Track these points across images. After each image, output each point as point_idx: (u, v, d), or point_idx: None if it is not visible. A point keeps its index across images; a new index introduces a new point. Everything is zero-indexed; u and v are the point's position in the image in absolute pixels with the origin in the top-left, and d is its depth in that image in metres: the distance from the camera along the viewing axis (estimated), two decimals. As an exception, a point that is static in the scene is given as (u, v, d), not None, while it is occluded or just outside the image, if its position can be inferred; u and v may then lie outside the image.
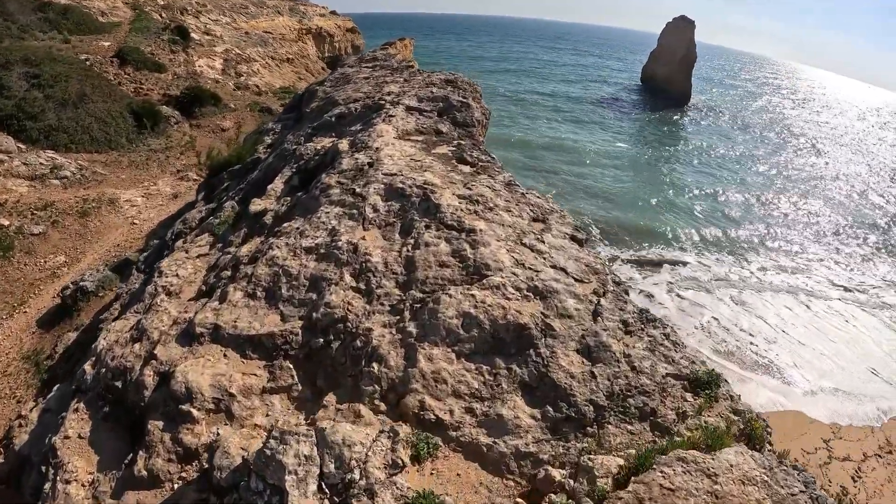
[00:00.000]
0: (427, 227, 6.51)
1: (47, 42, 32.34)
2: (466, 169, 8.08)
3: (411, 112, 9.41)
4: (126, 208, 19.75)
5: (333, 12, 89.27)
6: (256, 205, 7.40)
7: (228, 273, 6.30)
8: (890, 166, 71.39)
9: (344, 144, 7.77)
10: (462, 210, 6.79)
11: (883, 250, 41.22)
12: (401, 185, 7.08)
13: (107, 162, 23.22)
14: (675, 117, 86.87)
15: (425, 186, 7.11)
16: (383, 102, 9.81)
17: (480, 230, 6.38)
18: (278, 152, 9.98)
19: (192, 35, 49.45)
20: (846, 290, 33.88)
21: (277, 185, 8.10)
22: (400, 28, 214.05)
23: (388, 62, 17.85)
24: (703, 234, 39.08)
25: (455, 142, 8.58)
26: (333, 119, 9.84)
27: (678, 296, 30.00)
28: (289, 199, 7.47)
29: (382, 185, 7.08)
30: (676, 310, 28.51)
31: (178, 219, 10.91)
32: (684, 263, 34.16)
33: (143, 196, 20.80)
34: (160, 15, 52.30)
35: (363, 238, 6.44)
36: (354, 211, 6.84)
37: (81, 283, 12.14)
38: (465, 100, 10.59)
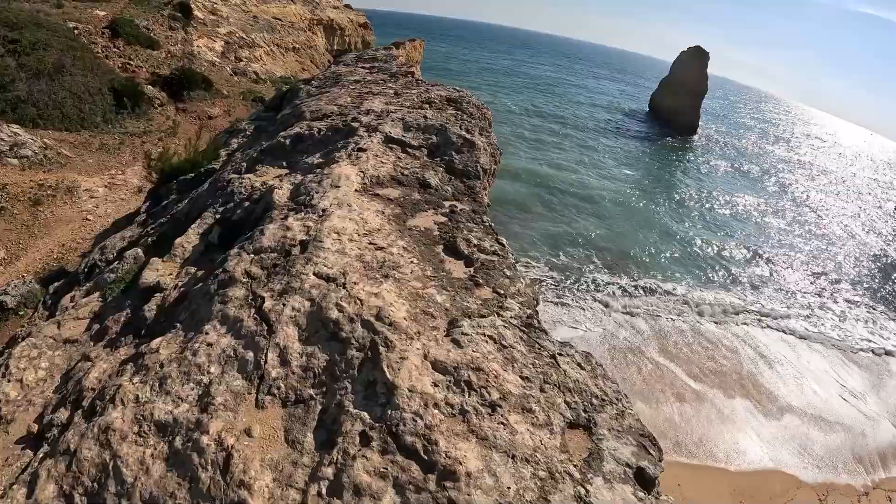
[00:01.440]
0: (365, 441, 3.21)
1: (38, 5, 30.68)
2: (458, 271, 4.91)
3: (391, 146, 7.11)
4: (84, 199, 18.16)
5: (347, 6, 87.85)
6: (151, 272, 5.33)
7: (65, 416, 4.04)
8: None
9: (282, 192, 5.58)
10: (438, 410, 3.31)
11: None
12: (335, 315, 4.06)
13: (75, 143, 21.60)
14: (680, 150, 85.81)
15: (378, 325, 3.94)
16: (356, 125, 7.56)
17: (468, 475, 2.97)
18: (213, 180, 8.11)
19: (196, 13, 47.83)
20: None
21: (191, 237, 5.93)
22: (414, 29, 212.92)
23: (388, 65, 16.24)
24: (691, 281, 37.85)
25: (447, 205, 5.88)
26: (288, 143, 7.61)
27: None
28: (194, 268, 5.33)
29: (307, 303, 4.23)
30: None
31: (116, 233, 9.41)
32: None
33: (105, 186, 19.22)
34: (167, -13, 50.64)
35: (247, 433, 3.39)
36: (249, 356, 3.87)
37: (1, 298, 10.60)
38: (469, 134, 7.75)
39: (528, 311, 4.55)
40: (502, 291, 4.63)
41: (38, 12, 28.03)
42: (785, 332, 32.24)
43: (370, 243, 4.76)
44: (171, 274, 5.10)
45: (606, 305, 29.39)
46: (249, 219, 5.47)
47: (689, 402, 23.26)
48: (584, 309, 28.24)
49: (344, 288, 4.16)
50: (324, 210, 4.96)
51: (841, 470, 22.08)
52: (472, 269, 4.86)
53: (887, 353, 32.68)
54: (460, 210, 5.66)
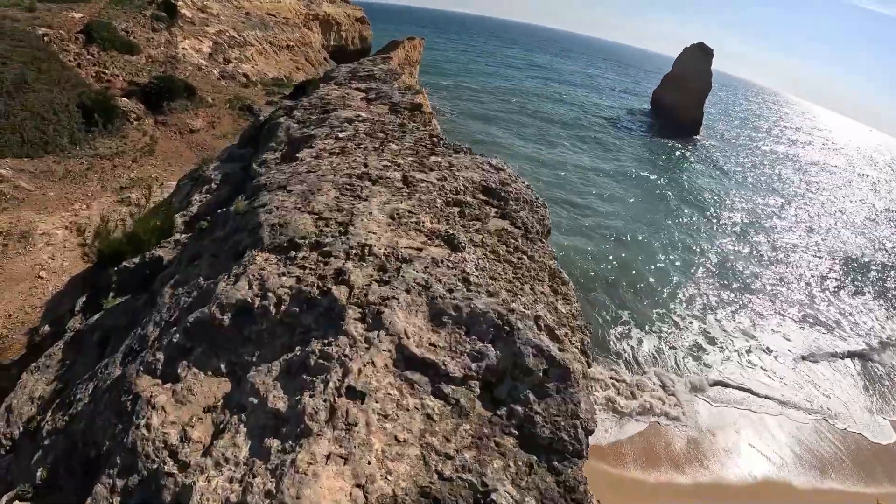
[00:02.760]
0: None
1: (6, 10, 28.13)
2: None
3: (410, 380, 3.81)
4: (39, 247, 15.82)
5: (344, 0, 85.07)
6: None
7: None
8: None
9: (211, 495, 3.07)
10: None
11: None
12: None
13: (37, 171, 19.23)
14: (682, 148, 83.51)
15: None
16: (342, 298, 4.42)
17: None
18: (143, 318, 5.76)
19: (184, 12, 45.19)
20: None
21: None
22: (412, 23, 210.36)
23: (387, 87, 13.78)
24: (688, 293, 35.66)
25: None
26: (229, 320, 4.46)
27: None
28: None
29: None
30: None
31: (28, 385, 7.02)
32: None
33: (66, 227, 16.88)
34: (154, -18, 47.93)
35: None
36: None
37: None
38: (552, 344, 4.28)
39: None
40: None
41: (3, 18, 25.53)
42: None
43: None
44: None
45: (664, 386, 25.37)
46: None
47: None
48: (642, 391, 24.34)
49: None
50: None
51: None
52: None
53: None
54: None
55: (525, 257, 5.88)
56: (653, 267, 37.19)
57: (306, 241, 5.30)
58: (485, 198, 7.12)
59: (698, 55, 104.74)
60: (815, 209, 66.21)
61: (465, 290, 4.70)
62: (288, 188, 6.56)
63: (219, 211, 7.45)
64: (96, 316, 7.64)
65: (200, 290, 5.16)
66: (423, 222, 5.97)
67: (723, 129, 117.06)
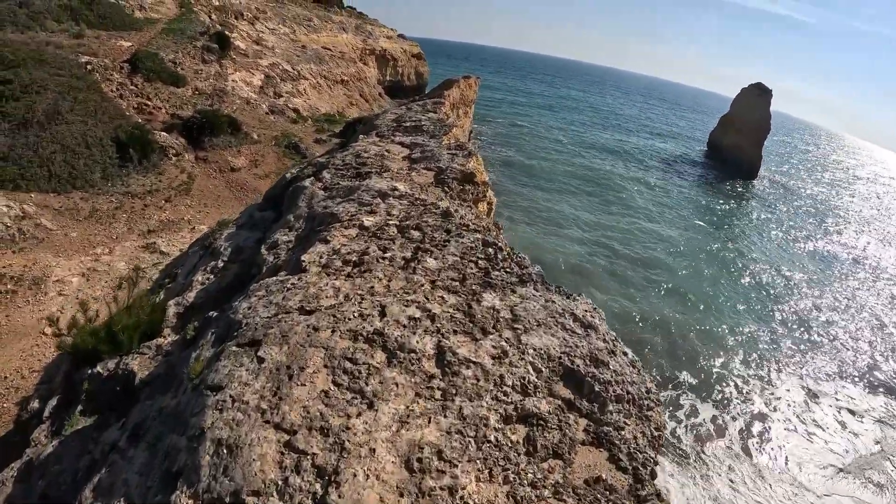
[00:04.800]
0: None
1: (54, 36, 27.39)
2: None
3: None
4: (51, 296, 14.04)
5: (401, 35, 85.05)
6: None
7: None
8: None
9: None
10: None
11: None
12: None
13: (62, 208, 17.68)
14: (742, 193, 79.59)
15: None
16: None
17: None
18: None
19: (238, 44, 44.71)
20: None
21: None
22: (464, 59, 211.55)
23: (435, 150, 11.25)
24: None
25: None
26: None
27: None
28: None
29: None
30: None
31: None
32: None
33: (82, 274, 15.11)
34: (210, 16, 47.70)
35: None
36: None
37: None
38: None
39: None
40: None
41: (47, 45, 24.60)
42: None
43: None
44: None
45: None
46: None
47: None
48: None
49: None
50: None
51: None
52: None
53: None
54: None
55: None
56: (712, 325, 33.91)
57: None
58: (567, 394, 4.44)
59: (756, 95, 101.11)
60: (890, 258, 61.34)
61: None
62: (263, 350, 4.17)
63: (209, 314, 5.27)
64: (50, 447, 5.52)
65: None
66: (463, 483, 3.32)
67: (783, 171, 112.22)
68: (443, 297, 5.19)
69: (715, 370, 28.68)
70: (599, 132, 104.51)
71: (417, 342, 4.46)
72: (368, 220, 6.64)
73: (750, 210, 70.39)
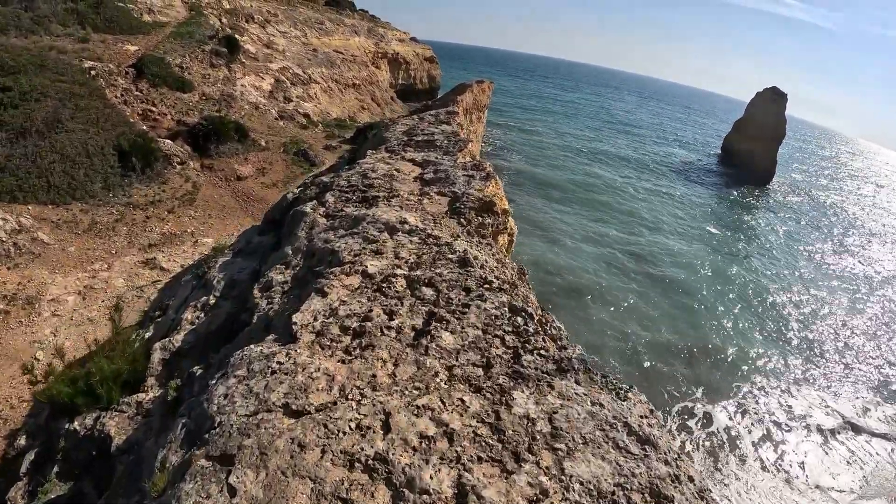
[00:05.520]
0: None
1: (59, 40, 26.76)
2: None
3: None
4: (45, 317, 13.28)
5: (414, 39, 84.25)
6: None
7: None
8: None
9: None
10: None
11: None
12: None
13: (60, 221, 16.95)
14: (757, 201, 78.22)
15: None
16: None
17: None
18: None
19: (248, 48, 44.06)
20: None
21: None
22: (477, 62, 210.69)
23: (449, 170, 10.34)
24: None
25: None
26: None
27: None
28: None
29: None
30: None
31: None
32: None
33: (79, 293, 14.34)
34: (220, 20, 47.04)
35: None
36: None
37: None
38: None
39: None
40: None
41: (50, 50, 23.94)
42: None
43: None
44: None
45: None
46: None
47: None
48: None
49: None
50: None
51: None
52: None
53: None
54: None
55: None
56: (724, 335, 32.81)
57: None
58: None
59: (771, 100, 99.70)
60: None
61: None
62: (235, 474, 3.29)
63: (193, 371, 4.43)
64: None
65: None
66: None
67: (798, 177, 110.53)
68: (463, 401, 4.12)
69: (731, 381, 27.77)
70: (612, 138, 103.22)
71: (432, 478, 3.45)
72: (373, 265, 5.72)
73: (765, 220, 68.98)
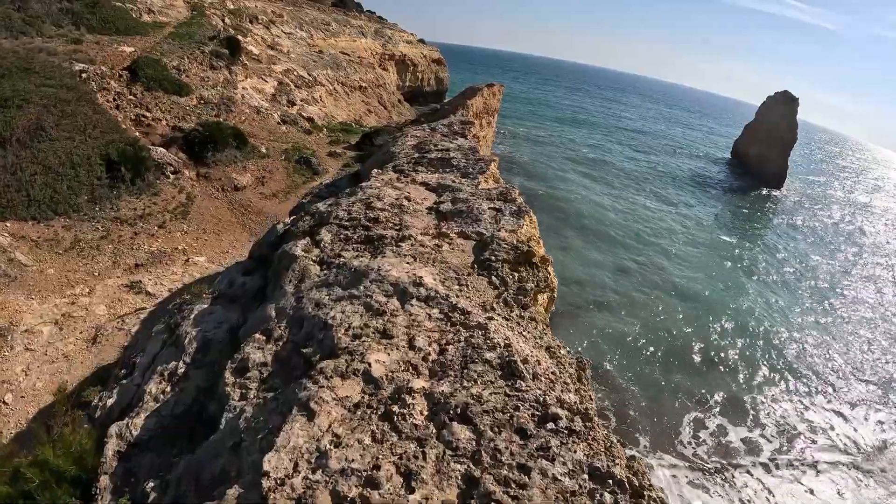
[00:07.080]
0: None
1: (50, 42, 25.47)
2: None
3: None
4: (16, 352, 11.93)
5: (421, 40, 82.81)
6: None
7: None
8: None
9: None
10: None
11: None
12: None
13: (40, 239, 15.65)
14: (768, 204, 76.77)
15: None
16: None
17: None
18: None
19: (251, 49, 42.70)
20: None
21: None
22: (485, 64, 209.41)
23: (471, 201, 8.71)
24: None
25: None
26: None
27: None
28: None
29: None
30: None
31: None
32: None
33: (56, 322, 13.00)
34: (223, 20, 45.73)
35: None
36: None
37: None
38: None
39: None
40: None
41: (39, 52, 22.68)
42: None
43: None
44: None
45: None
46: None
47: None
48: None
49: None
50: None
51: None
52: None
53: None
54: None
55: None
56: (730, 341, 31.43)
57: None
58: None
59: (782, 104, 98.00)
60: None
61: None
62: None
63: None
64: None
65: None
66: None
67: (809, 182, 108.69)
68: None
69: (747, 391, 26.64)
70: (622, 147, 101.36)
71: None
72: (378, 363, 4.22)
73: (778, 225, 67.49)
